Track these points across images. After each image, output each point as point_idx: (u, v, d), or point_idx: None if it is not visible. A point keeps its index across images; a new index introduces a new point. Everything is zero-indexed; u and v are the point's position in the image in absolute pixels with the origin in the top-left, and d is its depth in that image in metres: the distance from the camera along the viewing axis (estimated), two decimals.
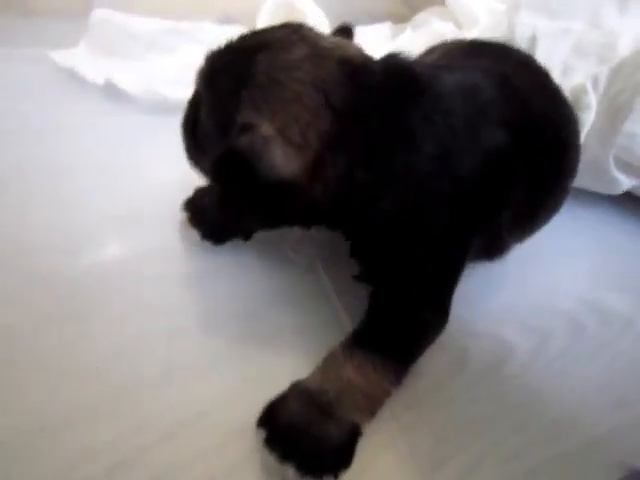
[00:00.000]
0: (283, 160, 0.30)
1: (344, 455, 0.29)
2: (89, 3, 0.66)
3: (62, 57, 0.56)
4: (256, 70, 0.31)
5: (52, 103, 0.50)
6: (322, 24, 0.61)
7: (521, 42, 0.50)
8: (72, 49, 0.58)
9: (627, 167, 0.51)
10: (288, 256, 0.44)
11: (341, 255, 0.41)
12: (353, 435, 0.30)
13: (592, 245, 0.52)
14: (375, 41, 0.68)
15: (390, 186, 0.32)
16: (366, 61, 0.34)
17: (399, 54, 0.34)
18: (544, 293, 0.46)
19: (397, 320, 0.33)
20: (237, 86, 0.31)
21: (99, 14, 0.58)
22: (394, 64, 0.34)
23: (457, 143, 0.33)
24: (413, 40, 0.53)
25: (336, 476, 0.29)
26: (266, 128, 0.30)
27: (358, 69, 0.32)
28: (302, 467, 0.28)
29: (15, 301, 0.36)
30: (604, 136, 0.49)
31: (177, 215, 0.44)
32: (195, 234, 0.42)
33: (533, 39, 0.50)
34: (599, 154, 0.50)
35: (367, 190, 0.32)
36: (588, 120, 0.49)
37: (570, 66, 0.51)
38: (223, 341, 0.37)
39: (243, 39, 0.34)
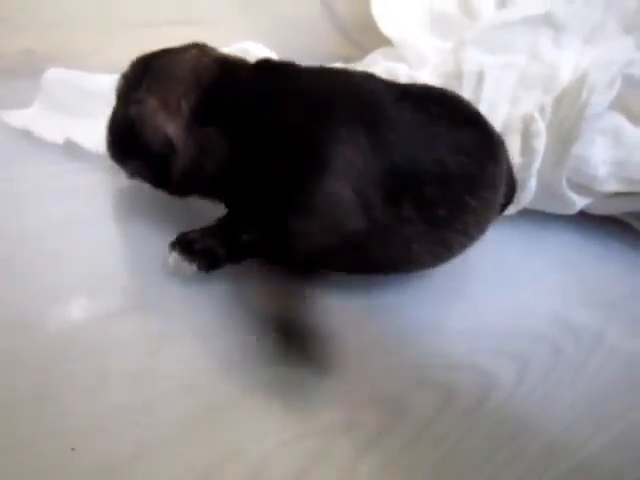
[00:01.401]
0: (164, 122, 0.38)
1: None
2: (32, 63, 0.66)
3: (15, 118, 0.55)
4: (153, 66, 0.41)
5: (7, 166, 0.49)
6: None
7: (470, 77, 0.52)
8: (24, 109, 0.56)
9: (579, 187, 0.54)
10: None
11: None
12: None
13: (555, 264, 0.54)
14: None
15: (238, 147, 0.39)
16: (239, 59, 0.43)
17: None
18: (515, 316, 0.47)
19: None
20: (139, 78, 0.41)
21: (52, 73, 0.57)
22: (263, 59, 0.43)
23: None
24: None
25: None
26: (152, 101, 0.39)
27: (229, 62, 0.42)
28: None
29: None
30: (555, 160, 0.52)
31: (143, 271, 0.42)
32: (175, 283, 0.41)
33: (481, 74, 0.52)
34: (552, 177, 0.52)
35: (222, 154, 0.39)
36: (540, 146, 0.51)
37: (517, 97, 0.54)
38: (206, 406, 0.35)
39: (156, 50, 0.44)
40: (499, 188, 0.42)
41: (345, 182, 0.37)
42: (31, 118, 0.55)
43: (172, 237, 0.41)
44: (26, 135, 0.53)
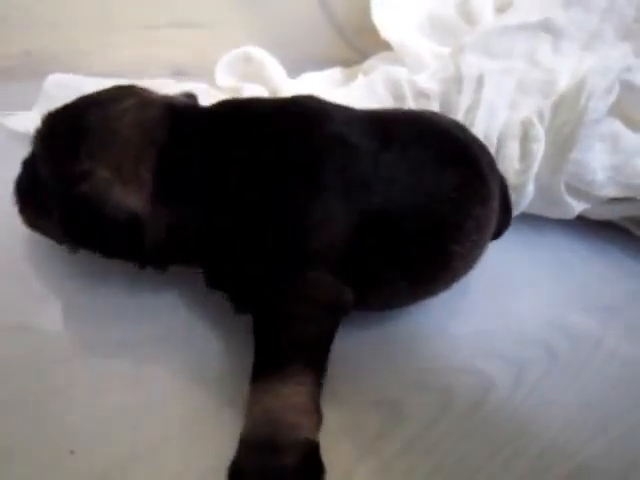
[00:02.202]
0: (124, 196, 0.33)
1: (308, 471, 0.30)
2: (32, 64, 0.66)
3: (15, 121, 0.55)
4: (90, 123, 0.35)
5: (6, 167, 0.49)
6: (279, 72, 0.63)
7: (469, 81, 0.53)
8: (25, 112, 0.56)
9: (576, 192, 0.54)
10: None
11: None
12: (308, 450, 0.30)
13: (551, 269, 0.54)
14: (326, 86, 0.70)
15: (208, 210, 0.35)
16: (188, 104, 0.39)
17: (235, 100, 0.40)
18: (513, 321, 0.47)
19: (272, 328, 0.34)
20: (75, 142, 0.35)
21: (54, 78, 0.57)
22: (221, 103, 0.39)
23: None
24: (368, 85, 0.55)
25: None
26: (102, 172, 0.33)
27: (177, 111, 0.37)
28: None
29: None
30: (554, 165, 0.52)
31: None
32: None
33: (481, 78, 0.53)
34: (551, 182, 0.53)
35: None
36: (539, 151, 0.51)
37: (516, 102, 0.54)
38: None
39: (78, 99, 0.38)
40: (488, 227, 0.41)
41: (325, 265, 0.35)
42: (33, 122, 0.55)
43: None
44: (27, 138, 0.53)
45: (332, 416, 0.35)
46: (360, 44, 0.81)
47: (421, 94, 0.54)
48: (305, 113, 0.39)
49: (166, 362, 0.38)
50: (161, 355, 0.38)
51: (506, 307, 0.48)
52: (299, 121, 0.38)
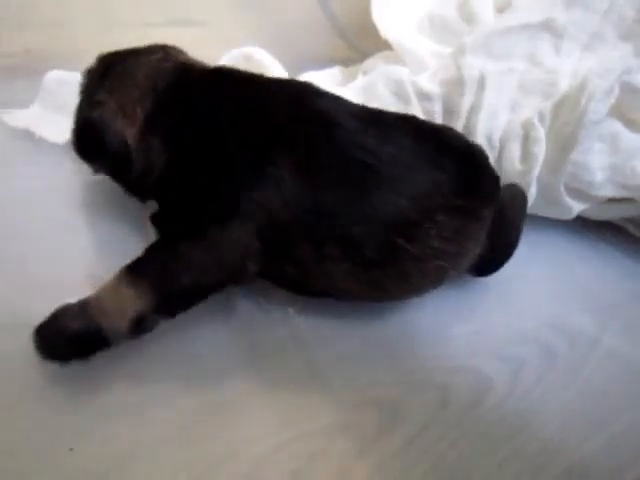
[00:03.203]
0: (122, 127, 0.40)
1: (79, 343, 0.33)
2: (32, 62, 0.66)
3: (14, 118, 0.55)
4: (118, 66, 0.42)
5: (5, 165, 0.49)
6: (279, 72, 0.62)
7: (471, 83, 0.53)
8: (24, 109, 0.56)
9: (576, 193, 0.54)
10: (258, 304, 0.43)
11: (316, 304, 0.41)
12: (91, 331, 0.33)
13: (550, 269, 0.55)
14: (326, 85, 0.70)
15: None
16: (197, 63, 0.45)
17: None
18: (510, 321, 0.47)
19: (166, 245, 0.36)
20: (102, 78, 0.42)
21: (54, 74, 0.57)
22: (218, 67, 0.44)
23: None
24: (369, 85, 0.55)
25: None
26: (112, 104, 0.40)
27: (186, 68, 0.43)
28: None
29: None
30: (554, 166, 0.52)
31: None
32: None
33: (482, 79, 0.53)
34: (551, 182, 0.53)
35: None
36: (540, 152, 0.51)
37: (517, 103, 0.54)
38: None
39: (125, 49, 0.45)
40: (458, 242, 0.40)
41: (250, 229, 0.36)
42: (32, 118, 0.55)
43: None
44: (27, 135, 0.53)
45: (330, 414, 0.35)
46: (360, 44, 0.81)
47: (423, 95, 0.54)
48: (295, 89, 0.43)
49: (165, 361, 0.38)
50: (160, 354, 0.38)
51: (504, 306, 0.49)
52: (286, 93, 0.42)
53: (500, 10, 0.64)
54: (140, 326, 0.34)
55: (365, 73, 0.68)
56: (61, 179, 0.50)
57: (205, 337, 0.40)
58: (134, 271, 0.34)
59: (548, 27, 0.55)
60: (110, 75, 0.42)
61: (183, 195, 0.38)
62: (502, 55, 0.54)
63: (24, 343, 0.33)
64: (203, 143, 0.39)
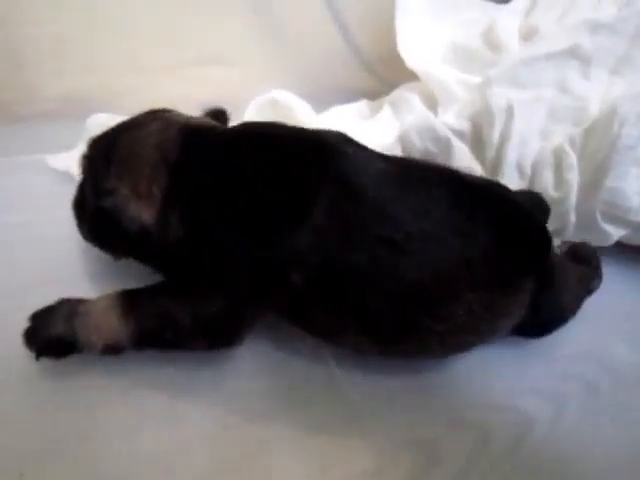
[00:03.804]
0: (138, 211, 0.38)
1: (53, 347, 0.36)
2: (70, 106, 0.68)
3: (58, 162, 0.57)
4: (118, 147, 0.41)
5: (50, 207, 0.51)
6: (306, 111, 0.64)
7: (499, 113, 0.53)
8: (66, 153, 0.58)
9: (614, 219, 0.53)
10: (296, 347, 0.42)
11: None
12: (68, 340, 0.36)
13: (591, 299, 0.52)
14: (352, 119, 0.71)
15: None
16: (204, 125, 0.43)
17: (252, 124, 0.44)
18: (552, 356, 0.46)
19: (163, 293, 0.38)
20: (107, 164, 0.40)
21: (95, 118, 0.59)
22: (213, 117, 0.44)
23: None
24: (391, 119, 0.55)
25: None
26: (123, 189, 0.39)
27: (194, 133, 0.41)
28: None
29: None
30: (588, 193, 0.51)
31: None
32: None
33: (510, 108, 0.52)
34: (586, 209, 0.52)
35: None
36: (574, 179, 0.50)
37: (548, 130, 0.54)
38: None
39: (114, 126, 0.43)
40: (489, 320, 0.38)
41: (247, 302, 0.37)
42: (74, 161, 0.57)
43: None
44: (68, 178, 0.55)
45: (364, 455, 0.35)
46: (385, 74, 0.82)
47: (455, 133, 0.54)
48: (318, 148, 0.40)
49: (200, 404, 0.38)
50: (194, 394, 0.39)
51: (544, 340, 0.46)
52: (311, 152, 0.39)
53: (525, 37, 0.65)
54: (112, 351, 0.37)
55: (392, 104, 0.69)
56: None
57: (242, 377, 0.40)
58: (128, 304, 0.37)
59: (575, 54, 0.55)
60: (113, 159, 0.40)
61: (191, 265, 0.38)
62: (529, 84, 0.54)
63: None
64: (219, 215, 0.38)
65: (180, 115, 0.44)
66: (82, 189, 0.44)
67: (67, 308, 0.37)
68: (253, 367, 0.41)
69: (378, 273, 0.36)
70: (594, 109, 0.53)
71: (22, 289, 0.43)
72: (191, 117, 0.44)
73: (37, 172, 0.58)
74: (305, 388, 0.40)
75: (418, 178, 0.40)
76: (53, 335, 0.36)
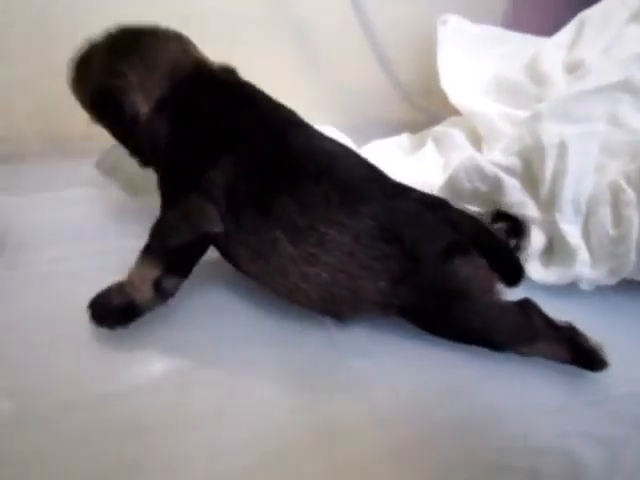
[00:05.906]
0: (137, 99, 0.46)
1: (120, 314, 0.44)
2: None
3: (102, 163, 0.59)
4: (145, 45, 0.48)
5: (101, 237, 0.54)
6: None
7: (551, 150, 0.52)
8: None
9: None
10: None
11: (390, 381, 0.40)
12: (128, 304, 0.44)
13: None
14: (395, 154, 0.71)
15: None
16: (206, 63, 0.50)
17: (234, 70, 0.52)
18: (602, 395, 0.43)
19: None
20: (128, 51, 0.47)
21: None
22: (224, 69, 0.51)
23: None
24: (435, 156, 0.55)
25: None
26: (132, 77, 0.46)
27: (203, 69, 0.49)
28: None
29: None
30: None
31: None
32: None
33: (562, 144, 0.52)
34: None
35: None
36: (633, 216, 0.48)
37: (602, 165, 0.53)
38: None
39: (145, 27, 0.49)
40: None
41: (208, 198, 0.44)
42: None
43: None
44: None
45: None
46: (425, 104, 0.82)
47: (504, 170, 0.54)
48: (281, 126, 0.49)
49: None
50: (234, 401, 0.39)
51: (594, 378, 0.44)
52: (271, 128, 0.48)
53: (570, 71, 0.64)
54: (160, 288, 0.44)
55: (435, 140, 0.69)
56: None
57: (267, 374, 0.41)
58: (145, 251, 0.45)
59: (626, 87, 0.54)
60: (136, 52, 0.47)
61: (170, 171, 0.47)
62: (581, 118, 0.54)
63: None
64: (192, 134, 0.46)
65: (195, 47, 0.51)
66: (97, 57, 0.49)
67: (115, 286, 0.45)
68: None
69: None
70: None
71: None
72: (203, 58, 0.51)
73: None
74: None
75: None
76: (115, 307, 0.43)
